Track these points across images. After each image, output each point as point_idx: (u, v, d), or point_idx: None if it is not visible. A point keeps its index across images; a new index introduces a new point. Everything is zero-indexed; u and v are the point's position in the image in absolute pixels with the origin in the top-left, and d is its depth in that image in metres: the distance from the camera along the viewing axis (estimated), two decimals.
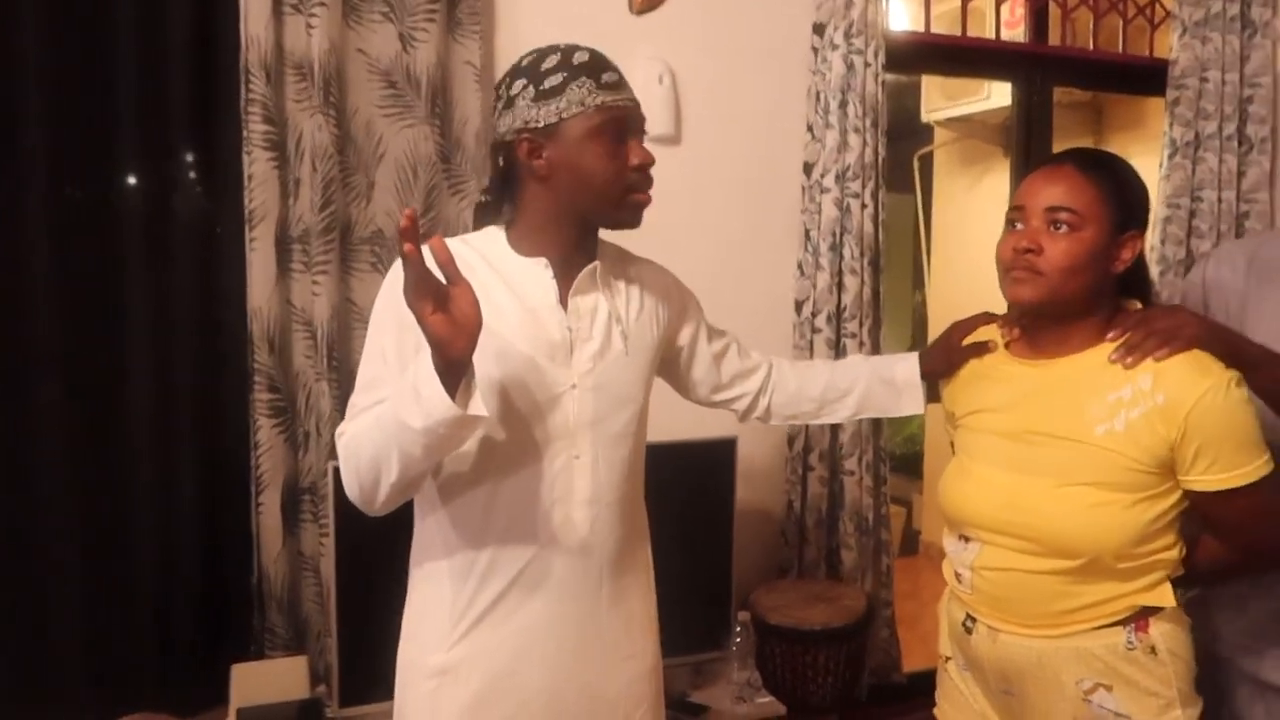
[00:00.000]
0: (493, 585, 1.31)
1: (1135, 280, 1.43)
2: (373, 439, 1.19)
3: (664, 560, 1.53)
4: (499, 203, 1.37)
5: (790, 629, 2.25)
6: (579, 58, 1.27)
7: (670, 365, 1.57)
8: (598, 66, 1.27)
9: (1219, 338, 1.36)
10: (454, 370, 1.10)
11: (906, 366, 1.63)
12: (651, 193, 1.33)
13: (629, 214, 1.32)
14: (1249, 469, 1.29)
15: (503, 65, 2.30)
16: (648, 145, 1.33)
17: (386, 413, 1.17)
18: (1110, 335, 1.37)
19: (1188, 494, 1.33)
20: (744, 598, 2.39)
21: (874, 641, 2.66)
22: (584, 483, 1.32)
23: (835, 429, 2.57)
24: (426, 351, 1.10)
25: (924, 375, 1.62)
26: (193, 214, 2.11)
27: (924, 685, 1.61)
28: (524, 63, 1.29)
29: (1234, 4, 2.85)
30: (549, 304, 1.31)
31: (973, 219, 4.53)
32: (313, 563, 2.16)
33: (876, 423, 2.63)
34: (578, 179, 1.27)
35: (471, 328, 1.09)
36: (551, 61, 1.26)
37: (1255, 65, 2.88)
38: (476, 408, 1.12)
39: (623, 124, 1.28)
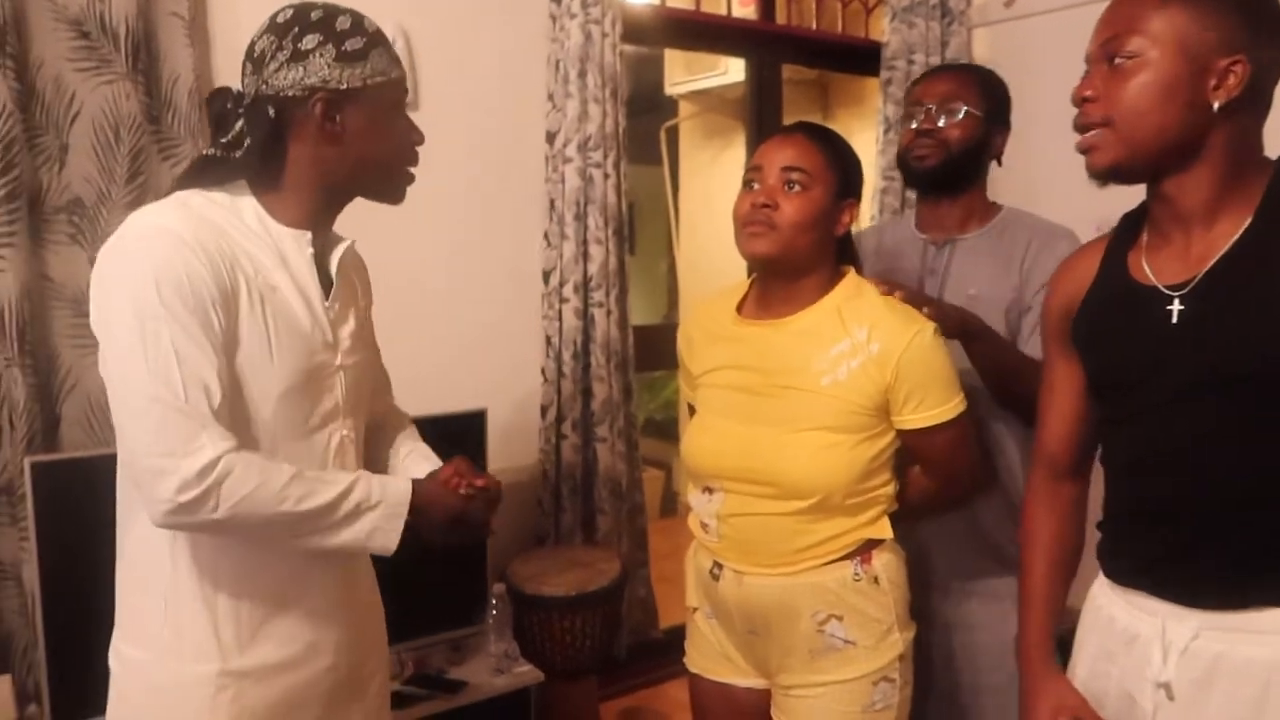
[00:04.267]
0: (280, 569, 1.24)
1: (847, 249, 1.56)
2: (291, 510, 1.15)
3: None
4: (258, 163, 1.21)
5: (546, 597, 2.26)
6: (369, 25, 1.23)
7: None
8: (385, 38, 1.26)
9: (958, 312, 1.56)
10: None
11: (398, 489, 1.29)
12: None
13: (403, 188, 1.32)
14: (949, 406, 1.44)
15: (217, 18, 2.15)
16: None
17: (320, 508, 1.17)
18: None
19: (900, 433, 1.46)
20: (501, 570, 2.37)
21: (632, 601, 2.73)
22: (353, 458, 1.33)
23: (587, 397, 2.59)
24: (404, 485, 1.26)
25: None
26: None
27: (681, 638, 1.66)
28: (312, 17, 1.19)
29: None
30: (313, 282, 1.25)
31: (716, 190, 4.70)
32: (13, 571, 1.92)
33: (627, 389, 2.68)
34: (371, 147, 1.24)
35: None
36: (344, 23, 1.21)
37: (954, 49, 3.16)
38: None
39: (404, 98, 1.30)
